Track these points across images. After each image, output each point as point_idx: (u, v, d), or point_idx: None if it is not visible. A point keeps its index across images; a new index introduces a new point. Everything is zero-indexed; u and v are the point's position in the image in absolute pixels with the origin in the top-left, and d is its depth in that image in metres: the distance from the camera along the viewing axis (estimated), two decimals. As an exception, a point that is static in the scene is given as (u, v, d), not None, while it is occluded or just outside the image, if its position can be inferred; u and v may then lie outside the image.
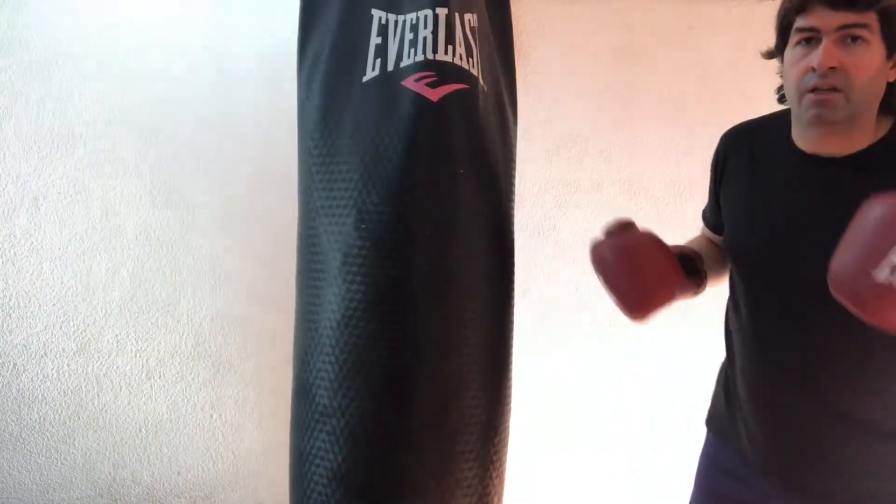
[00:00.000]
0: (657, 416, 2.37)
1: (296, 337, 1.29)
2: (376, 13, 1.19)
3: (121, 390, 2.26)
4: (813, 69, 0.98)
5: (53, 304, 2.21)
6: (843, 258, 0.89)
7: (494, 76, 1.29)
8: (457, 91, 1.16)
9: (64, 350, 2.22)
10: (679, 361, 2.35)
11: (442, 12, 1.15)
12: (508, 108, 1.33)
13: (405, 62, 1.16)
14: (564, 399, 2.40)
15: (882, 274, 0.82)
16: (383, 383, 1.14)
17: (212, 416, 2.31)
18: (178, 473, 2.31)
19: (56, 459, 2.25)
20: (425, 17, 1.15)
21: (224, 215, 2.26)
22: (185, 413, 2.30)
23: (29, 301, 2.19)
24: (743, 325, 1.20)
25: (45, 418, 2.23)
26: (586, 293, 2.40)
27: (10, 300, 2.19)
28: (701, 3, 2.33)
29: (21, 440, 2.23)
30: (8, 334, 2.19)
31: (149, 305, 2.25)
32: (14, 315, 2.19)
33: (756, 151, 1.18)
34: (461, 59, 1.17)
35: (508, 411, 1.30)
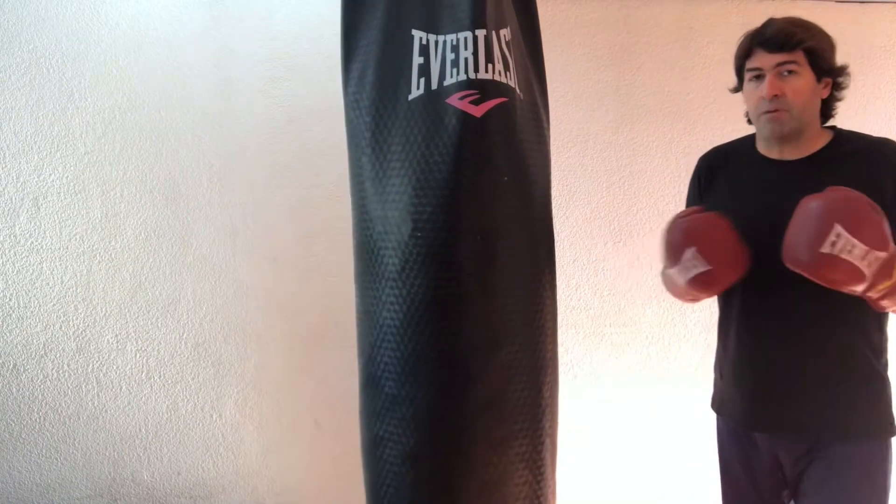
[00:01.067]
0: (658, 413, 2.37)
1: (359, 333, 1.42)
2: (416, 34, 1.29)
3: (121, 390, 2.26)
4: (763, 98, 1.33)
5: (53, 304, 2.21)
6: (796, 239, 1.24)
7: (528, 81, 1.40)
8: (498, 105, 1.27)
9: (64, 350, 2.23)
10: (679, 360, 2.35)
11: (481, 34, 1.25)
12: (542, 110, 1.44)
13: (448, 81, 1.26)
14: (564, 399, 2.40)
15: (826, 248, 1.18)
16: (444, 374, 1.28)
17: (212, 416, 2.31)
18: (178, 473, 2.32)
19: (56, 459, 2.25)
20: (465, 38, 1.25)
21: (224, 215, 2.26)
22: (185, 413, 2.30)
23: (29, 301, 2.20)
24: (731, 302, 1.46)
25: (45, 418, 2.24)
26: (586, 293, 2.40)
27: (10, 300, 2.19)
28: (701, 3, 2.33)
29: (21, 440, 2.23)
30: (8, 334, 2.20)
31: (149, 305, 2.25)
32: (14, 315, 2.19)
33: (731, 164, 1.51)
34: (500, 74, 1.28)
35: (557, 391, 1.45)
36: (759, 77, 1.35)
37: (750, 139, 1.49)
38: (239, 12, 2.24)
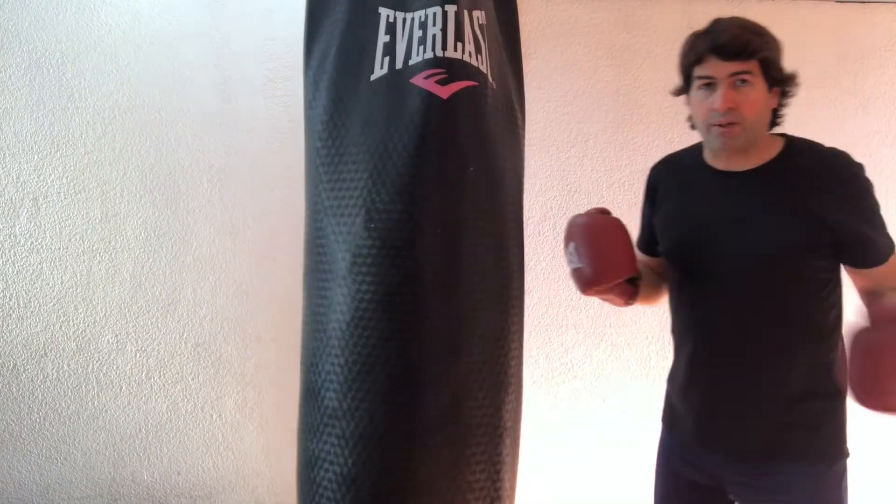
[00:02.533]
0: (658, 413, 2.37)
1: (303, 338, 1.27)
2: (384, 11, 1.19)
3: (121, 390, 2.26)
4: (715, 110, 1.25)
5: (53, 304, 2.21)
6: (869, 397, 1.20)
7: (503, 74, 1.28)
8: (466, 88, 1.16)
9: (64, 350, 2.23)
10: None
11: (451, 9, 1.14)
12: (517, 106, 1.33)
13: (414, 60, 1.15)
14: (564, 399, 2.40)
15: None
16: (393, 384, 1.13)
17: (212, 416, 2.31)
18: (178, 473, 2.31)
19: (56, 459, 2.25)
20: (434, 14, 1.15)
21: (224, 215, 2.26)
22: (185, 413, 2.30)
23: (29, 301, 2.20)
24: (680, 315, 1.43)
25: (45, 418, 2.24)
26: (586, 293, 2.40)
27: (10, 300, 2.19)
28: (701, 3, 2.33)
29: (21, 440, 2.23)
30: (8, 334, 2.19)
31: (149, 305, 2.25)
32: (14, 315, 2.19)
33: (677, 174, 1.46)
34: (470, 56, 1.16)
35: (520, 412, 1.29)
36: (709, 85, 1.27)
37: (698, 148, 1.42)
38: (239, 12, 2.24)
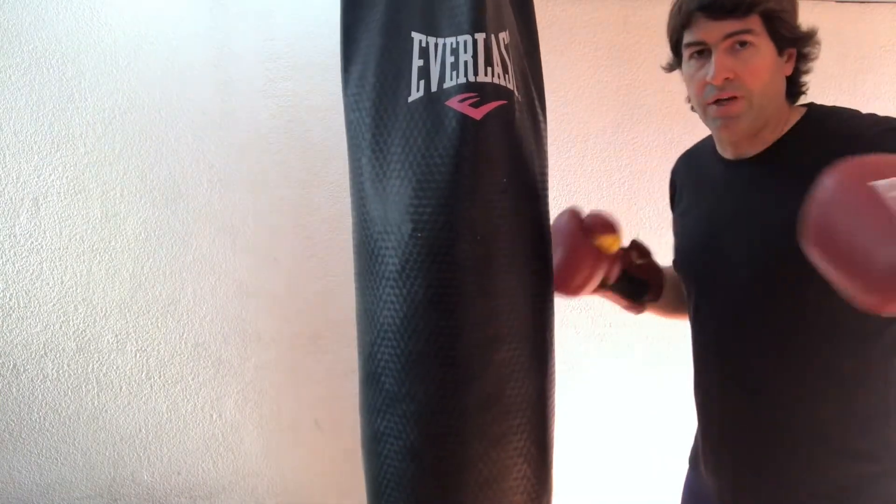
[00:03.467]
0: (657, 416, 2.37)
1: (359, 330, 1.43)
2: (416, 36, 1.30)
3: (121, 390, 2.26)
4: (710, 83, 1.01)
5: (53, 304, 2.21)
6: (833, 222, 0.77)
7: (525, 82, 1.40)
8: (497, 108, 1.27)
9: (64, 350, 2.23)
10: (680, 361, 2.35)
11: (480, 37, 1.25)
12: (539, 110, 1.44)
13: (448, 84, 1.26)
14: (564, 399, 2.40)
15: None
16: (444, 373, 1.28)
17: (212, 416, 2.31)
18: (178, 473, 2.31)
19: (56, 459, 2.25)
20: (465, 42, 1.26)
21: (224, 215, 2.26)
22: (185, 413, 2.30)
23: (29, 301, 2.20)
24: (694, 338, 1.20)
25: (45, 418, 2.24)
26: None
27: (10, 300, 2.19)
28: (701, 3, 2.33)
29: (21, 440, 2.23)
30: (8, 334, 2.19)
31: (149, 305, 2.25)
32: (14, 315, 2.19)
33: (693, 170, 1.26)
34: (499, 77, 1.28)
35: (553, 389, 1.46)
36: (702, 53, 1.03)
37: (712, 138, 1.20)
38: (239, 12, 2.24)
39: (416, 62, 1.29)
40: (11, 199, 2.17)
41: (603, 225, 1.31)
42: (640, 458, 2.40)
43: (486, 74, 1.26)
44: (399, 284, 1.29)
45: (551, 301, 1.45)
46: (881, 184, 0.72)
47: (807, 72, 1.09)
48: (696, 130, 2.06)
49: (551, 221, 1.40)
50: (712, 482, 1.15)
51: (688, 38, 1.06)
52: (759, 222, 1.01)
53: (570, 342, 2.41)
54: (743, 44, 0.99)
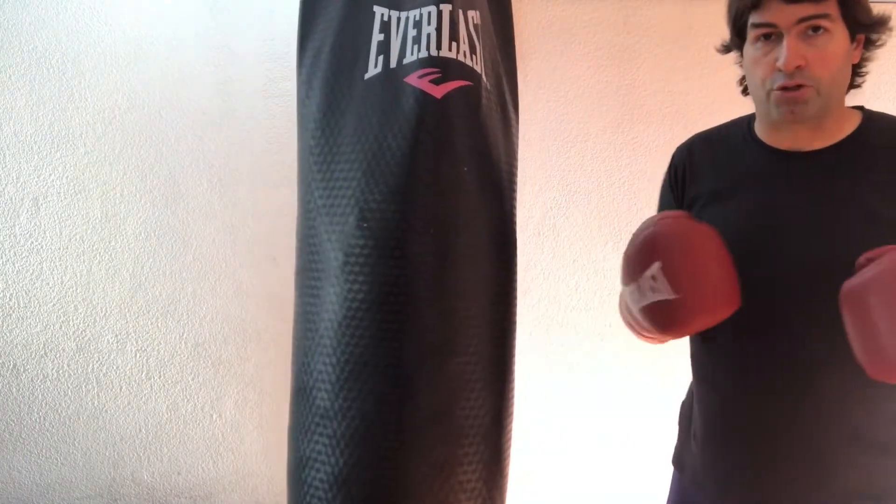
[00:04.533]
0: (657, 416, 2.37)
1: (294, 338, 1.28)
2: (378, 9, 1.19)
3: (121, 390, 2.26)
4: (780, 69, 0.95)
5: (53, 304, 2.21)
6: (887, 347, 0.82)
7: (497, 74, 1.28)
8: (460, 88, 1.15)
9: (64, 350, 2.23)
10: (680, 361, 2.35)
11: (446, 8, 1.14)
12: (511, 107, 1.32)
13: (408, 59, 1.15)
14: (564, 399, 2.40)
15: None
16: (386, 384, 1.13)
17: (212, 416, 2.31)
18: (178, 473, 2.31)
19: (56, 459, 2.25)
20: (429, 13, 1.14)
21: (224, 215, 2.26)
22: (185, 413, 2.30)
23: (29, 301, 2.20)
24: (716, 338, 1.09)
25: (45, 418, 2.23)
26: (586, 293, 2.40)
27: (10, 300, 2.19)
28: (701, 3, 2.33)
29: (21, 440, 2.23)
30: (8, 334, 2.19)
31: (149, 305, 2.25)
32: (14, 315, 2.19)
33: (718, 154, 1.13)
34: (465, 55, 1.16)
35: (511, 412, 1.29)
36: (769, 37, 0.96)
37: (745, 122, 1.12)
38: (239, 12, 2.24)
39: (377, 37, 1.17)
40: (11, 199, 2.17)
41: None
42: (640, 458, 2.40)
43: (450, 49, 1.14)
44: (340, 281, 1.13)
45: (513, 311, 1.29)
46: None
47: (871, 59, 1.05)
48: (695, 130, 2.06)
49: (517, 224, 1.28)
50: (713, 487, 1.10)
51: (756, 18, 0.97)
52: (824, 218, 0.95)
53: (570, 342, 2.40)
54: (817, 28, 0.94)
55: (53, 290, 2.20)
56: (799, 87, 0.95)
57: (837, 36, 0.95)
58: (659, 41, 2.35)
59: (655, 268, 0.98)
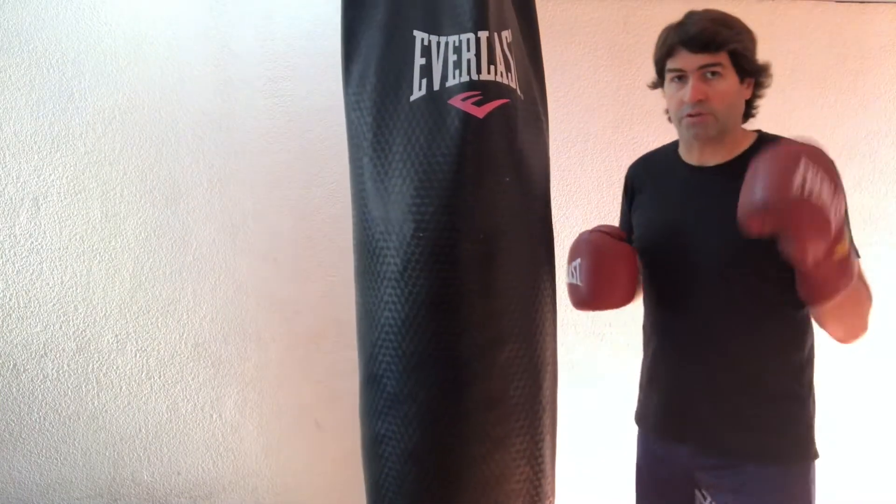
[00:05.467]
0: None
1: (360, 331, 1.42)
2: (418, 34, 1.30)
3: (121, 390, 2.26)
4: (686, 102, 1.28)
5: (53, 304, 2.21)
6: (758, 182, 1.08)
7: (528, 81, 1.40)
8: (500, 106, 1.28)
9: (64, 350, 2.23)
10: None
11: (483, 35, 1.25)
12: (541, 110, 1.44)
13: (451, 82, 1.26)
14: (564, 399, 2.40)
15: (795, 186, 1.03)
16: (445, 374, 1.28)
17: (212, 416, 2.31)
18: (178, 473, 2.32)
19: (56, 459, 2.25)
20: (468, 40, 1.25)
21: (224, 215, 2.27)
22: (185, 413, 2.30)
23: (29, 301, 2.20)
24: (653, 312, 1.45)
25: (45, 418, 2.24)
26: (586, 293, 2.40)
27: (10, 300, 2.19)
28: (701, 3, 2.33)
29: (21, 440, 2.23)
30: (8, 334, 2.20)
31: (149, 305, 2.25)
32: (14, 315, 2.19)
33: (652, 172, 1.49)
34: (502, 76, 1.28)
35: (556, 390, 1.47)
36: (681, 78, 1.29)
37: (674, 146, 1.45)
38: (239, 13, 2.24)
39: (419, 61, 1.28)
40: (11, 199, 2.17)
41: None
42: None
43: (489, 73, 1.26)
44: (401, 285, 1.28)
45: (553, 302, 1.45)
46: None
47: (761, 97, 1.36)
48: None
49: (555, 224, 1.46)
50: (663, 419, 1.42)
51: (671, 64, 1.31)
52: (722, 220, 1.22)
53: (570, 342, 2.40)
54: (713, 73, 1.26)
55: (53, 290, 2.20)
56: (700, 114, 1.27)
57: (729, 78, 1.27)
58: (659, 41, 2.35)
59: (577, 262, 1.43)
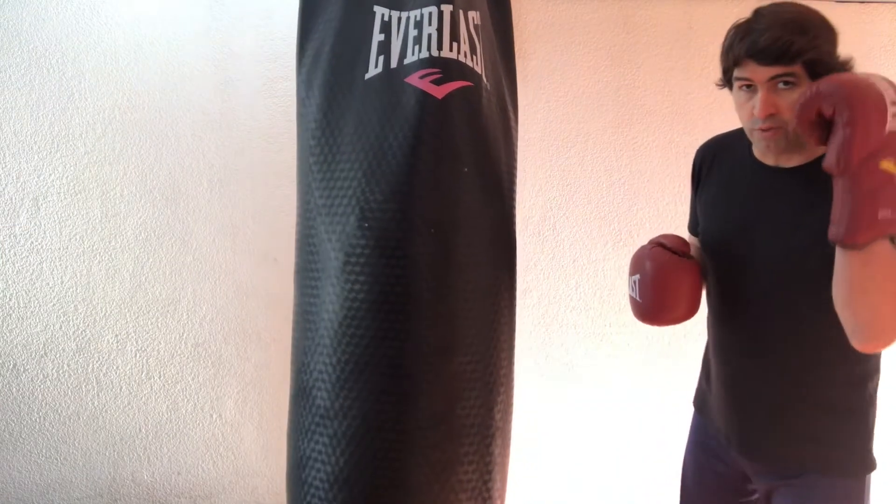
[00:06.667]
0: (659, 414, 2.37)
1: (294, 338, 1.28)
2: (378, 10, 1.19)
3: (121, 390, 2.26)
4: (756, 115, 1.19)
5: (53, 304, 2.21)
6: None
7: (497, 75, 1.29)
8: (461, 88, 1.16)
9: (64, 350, 2.23)
10: (677, 362, 2.35)
11: (447, 9, 1.14)
12: (510, 108, 1.33)
13: (409, 59, 1.15)
14: (564, 399, 2.40)
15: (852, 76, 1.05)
16: (386, 384, 1.13)
17: (212, 416, 2.31)
18: (178, 473, 2.32)
19: (56, 459, 2.25)
20: (430, 13, 1.14)
21: (224, 215, 2.26)
22: (185, 413, 2.30)
23: (29, 301, 2.20)
24: (714, 307, 1.39)
25: (45, 418, 2.24)
26: (586, 293, 2.40)
27: (10, 300, 2.19)
28: (701, 3, 2.33)
29: (21, 440, 2.23)
30: (8, 334, 2.20)
31: (149, 305, 2.25)
32: (14, 315, 2.19)
33: (725, 161, 1.40)
34: (465, 56, 1.16)
35: (511, 412, 1.30)
36: (749, 87, 1.20)
37: (747, 139, 1.35)
38: (239, 12, 2.24)
39: (377, 37, 1.17)
40: (11, 199, 2.17)
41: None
42: (639, 457, 2.40)
43: (451, 50, 1.14)
44: (340, 281, 1.13)
45: (512, 311, 1.30)
46: None
47: None
48: (694, 131, 2.06)
49: (517, 224, 1.35)
50: (720, 423, 1.38)
51: (738, 73, 1.21)
52: (795, 222, 1.21)
53: (570, 342, 2.41)
54: (787, 83, 1.16)
55: (53, 290, 2.20)
56: (771, 128, 1.19)
57: (803, 87, 1.15)
58: (659, 41, 2.35)
59: (637, 277, 1.38)
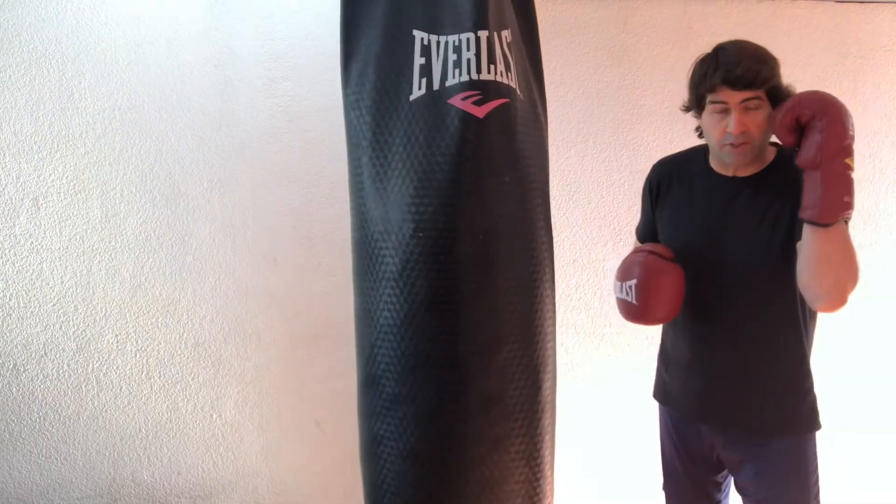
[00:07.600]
0: (657, 414, 2.37)
1: (358, 331, 1.43)
2: (418, 34, 1.30)
3: (121, 390, 2.26)
4: (730, 132, 1.43)
5: (53, 304, 2.21)
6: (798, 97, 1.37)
7: (527, 83, 1.40)
8: (499, 106, 1.28)
9: (64, 350, 2.23)
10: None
11: (483, 35, 1.26)
12: (540, 110, 1.45)
13: (450, 81, 1.27)
14: (564, 399, 2.40)
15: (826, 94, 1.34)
16: (444, 375, 1.29)
17: (212, 415, 2.31)
18: (178, 473, 2.32)
19: (56, 459, 2.25)
20: (467, 39, 1.26)
21: (224, 215, 2.27)
22: (185, 413, 2.30)
23: (29, 301, 2.20)
24: (688, 304, 1.58)
25: (45, 418, 2.24)
26: (586, 293, 2.40)
27: (10, 300, 2.19)
28: (701, 3, 2.33)
29: (21, 440, 2.23)
30: (8, 334, 2.20)
31: (149, 305, 2.25)
32: (14, 315, 2.20)
33: (684, 176, 1.63)
34: (501, 75, 1.28)
35: (555, 391, 1.48)
36: (724, 111, 1.43)
37: (702, 151, 1.60)
38: (239, 12, 2.24)
39: (418, 60, 1.29)
40: (11, 199, 2.17)
41: None
42: (638, 457, 2.40)
43: (488, 72, 1.26)
44: (399, 285, 1.29)
45: (553, 302, 1.45)
46: None
47: None
48: (694, 131, 2.06)
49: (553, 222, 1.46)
50: (687, 401, 1.62)
51: (712, 97, 1.44)
52: (757, 218, 1.46)
53: (570, 342, 2.41)
54: (755, 107, 1.41)
55: (53, 290, 2.21)
56: (742, 143, 1.43)
57: (765, 109, 1.42)
58: (659, 41, 2.35)
59: (632, 282, 1.55)
